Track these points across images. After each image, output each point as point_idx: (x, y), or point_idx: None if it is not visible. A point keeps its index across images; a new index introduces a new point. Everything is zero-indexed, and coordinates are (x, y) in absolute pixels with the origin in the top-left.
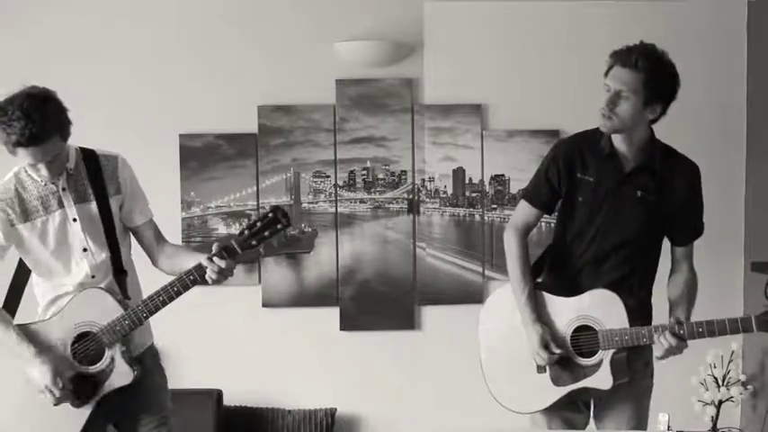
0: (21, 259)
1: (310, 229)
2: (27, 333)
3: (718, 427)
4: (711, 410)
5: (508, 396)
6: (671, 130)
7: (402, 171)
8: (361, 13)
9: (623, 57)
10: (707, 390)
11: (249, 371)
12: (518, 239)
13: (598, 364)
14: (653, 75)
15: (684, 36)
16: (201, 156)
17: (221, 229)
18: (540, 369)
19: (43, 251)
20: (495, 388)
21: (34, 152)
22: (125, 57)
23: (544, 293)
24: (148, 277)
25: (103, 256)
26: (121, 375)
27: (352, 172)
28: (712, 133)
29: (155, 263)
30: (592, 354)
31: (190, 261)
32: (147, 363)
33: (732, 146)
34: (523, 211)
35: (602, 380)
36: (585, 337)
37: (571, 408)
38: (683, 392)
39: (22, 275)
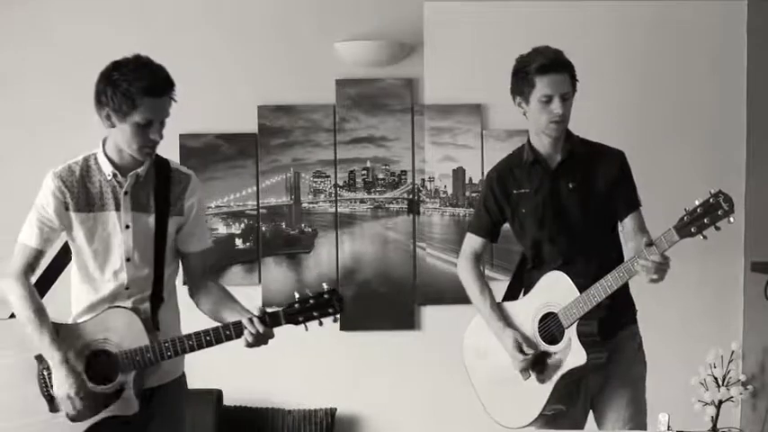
0: (65, 243)
1: (310, 229)
2: (59, 333)
3: (718, 427)
4: (711, 410)
5: (505, 414)
6: (671, 129)
7: (402, 171)
8: (361, 13)
9: (539, 65)
10: (707, 390)
11: (249, 371)
12: (469, 264)
13: (568, 344)
14: (571, 70)
15: (684, 36)
16: (202, 156)
17: (221, 229)
18: (525, 374)
19: (86, 246)
20: (493, 411)
21: (156, 105)
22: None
23: (504, 303)
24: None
25: (145, 272)
26: (126, 404)
27: (352, 172)
28: (712, 132)
29: (193, 295)
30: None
31: (233, 315)
32: (171, 394)
33: (732, 145)
34: (469, 241)
35: (576, 357)
36: (552, 324)
37: (577, 411)
38: (683, 392)
39: (61, 260)
